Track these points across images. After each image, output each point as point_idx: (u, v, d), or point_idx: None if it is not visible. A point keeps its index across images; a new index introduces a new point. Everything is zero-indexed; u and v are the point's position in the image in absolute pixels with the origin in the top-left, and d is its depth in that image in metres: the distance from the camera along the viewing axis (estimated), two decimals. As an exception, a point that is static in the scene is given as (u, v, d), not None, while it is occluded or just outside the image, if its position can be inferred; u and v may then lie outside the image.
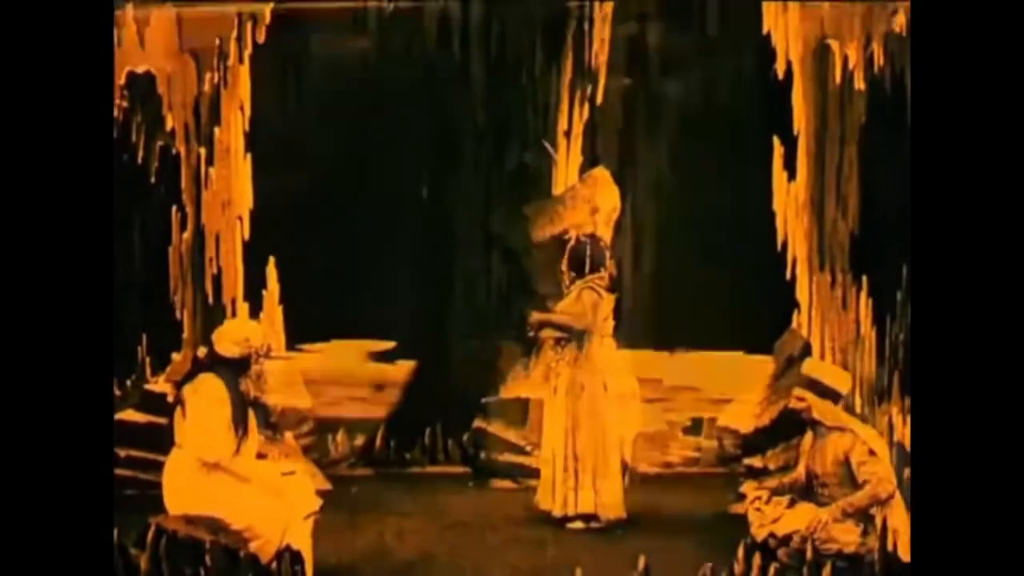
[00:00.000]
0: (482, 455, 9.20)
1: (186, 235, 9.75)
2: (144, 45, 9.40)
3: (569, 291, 7.79)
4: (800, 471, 6.50)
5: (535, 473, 8.04)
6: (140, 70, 9.46)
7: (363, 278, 9.87)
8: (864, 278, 9.76)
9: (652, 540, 7.00)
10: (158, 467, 6.28)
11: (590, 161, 10.12)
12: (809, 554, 6.12)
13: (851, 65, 9.72)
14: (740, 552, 6.21)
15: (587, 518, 7.56)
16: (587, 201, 9.25)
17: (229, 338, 6.22)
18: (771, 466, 8.29)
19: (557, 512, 7.60)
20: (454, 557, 6.85)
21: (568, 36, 10.15)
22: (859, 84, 9.71)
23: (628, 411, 8.08)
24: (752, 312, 9.57)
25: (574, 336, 7.66)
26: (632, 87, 10.10)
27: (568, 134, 10.27)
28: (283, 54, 10.01)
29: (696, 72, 10.14)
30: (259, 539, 6.00)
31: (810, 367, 6.87)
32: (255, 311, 9.80)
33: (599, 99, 10.26)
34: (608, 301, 7.76)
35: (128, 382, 9.25)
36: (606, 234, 8.75)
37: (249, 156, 9.81)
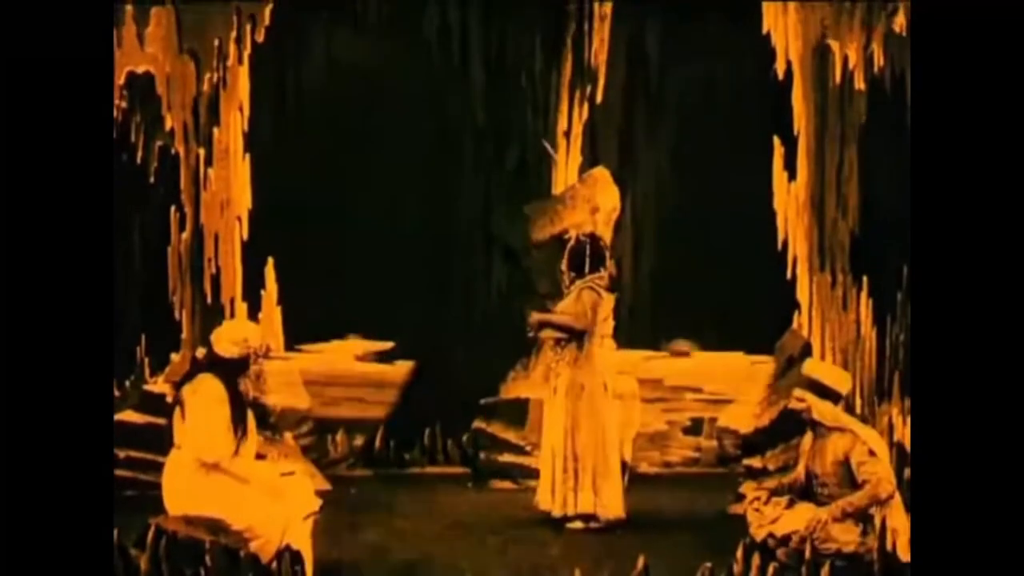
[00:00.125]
0: (482, 455, 9.20)
1: (185, 235, 9.75)
2: (144, 45, 9.40)
3: (569, 291, 7.77)
4: (800, 471, 6.49)
5: (535, 473, 8.03)
6: (140, 70, 9.47)
7: (363, 278, 9.87)
8: (864, 278, 9.77)
9: (651, 540, 7.00)
10: (158, 468, 6.28)
11: (590, 161, 10.13)
12: (808, 554, 6.12)
13: (851, 65, 9.72)
14: (739, 552, 6.21)
15: (587, 518, 7.54)
16: (587, 201, 9.24)
17: (228, 338, 6.20)
18: (771, 466, 8.29)
19: (557, 512, 7.59)
20: (454, 557, 6.85)
21: (567, 36, 10.16)
22: (859, 84, 9.71)
23: (628, 411, 8.07)
24: (752, 312, 9.58)
25: (574, 336, 7.65)
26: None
27: (568, 134, 10.28)
28: (283, 54, 10.05)
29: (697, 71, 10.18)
30: (259, 539, 5.99)
31: (810, 367, 6.85)
32: (254, 311, 9.80)
33: (599, 99, 10.28)
34: (608, 301, 7.75)
35: (127, 383, 9.25)
36: (606, 234, 8.74)
37: (248, 156, 9.82)
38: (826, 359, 9.56)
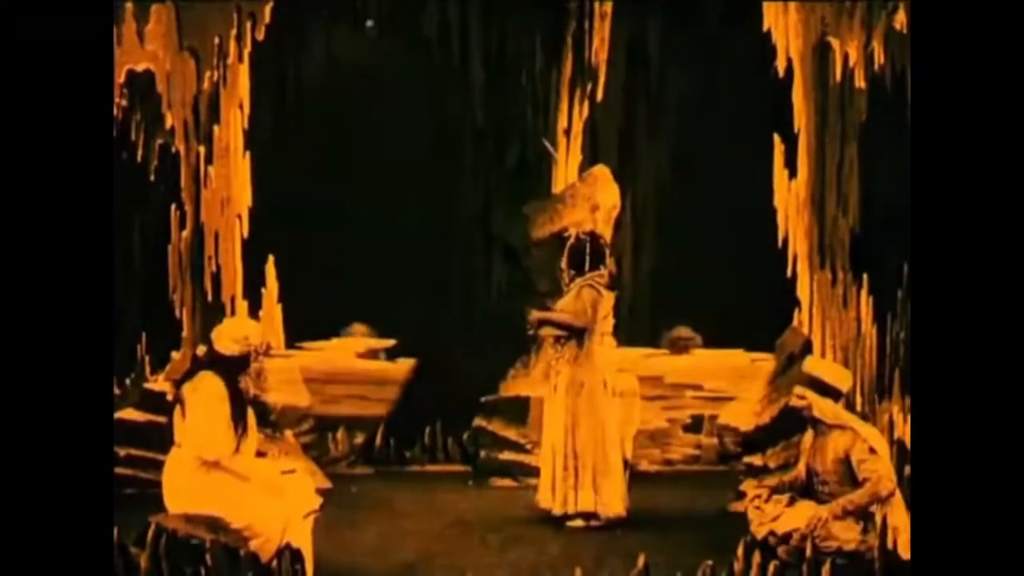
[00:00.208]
0: (482, 453, 9.19)
1: (185, 233, 9.75)
2: (144, 43, 9.39)
3: (569, 289, 7.77)
4: (800, 469, 6.48)
5: (535, 471, 8.02)
6: (140, 68, 9.46)
7: (363, 276, 9.88)
8: (865, 276, 9.77)
9: (652, 538, 6.99)
10: (158, 466, 6.27)
11: (590, 159, 10.13)
12: (809, 552, 6.11)
13: (851, 63, 9.72)
14: (740, 550, 6.20)
15: (587, 516, 7.53)
16: (587, 199, 9.24)
17: (228, 336, 6.19)
18: (771, 464, 8.29)
19: (557, 510, 7.58)
20: (454, 556, 6.84)
21: (568, 35, 10.16)
22: (859, 82, 9.71)
23: (628, 409, 8.06)
24: (753, 310, 9.58)
25: (574, 334, 7.64)
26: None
27: (568, 132, 10.28)
28: (283, 52, 10.06)
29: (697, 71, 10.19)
30: (259, 538, 5.98)
31: (811, 365, 6.84)
32: (254, 309, 9.81)
33: (599, 97, 10.28)
34: (608, 299, 7.74)
35: (128, 381, 9.25)
36: (606, 232, 8.74)
37: (248, 154, 9.83)
38: (826, 357, 9.56)
